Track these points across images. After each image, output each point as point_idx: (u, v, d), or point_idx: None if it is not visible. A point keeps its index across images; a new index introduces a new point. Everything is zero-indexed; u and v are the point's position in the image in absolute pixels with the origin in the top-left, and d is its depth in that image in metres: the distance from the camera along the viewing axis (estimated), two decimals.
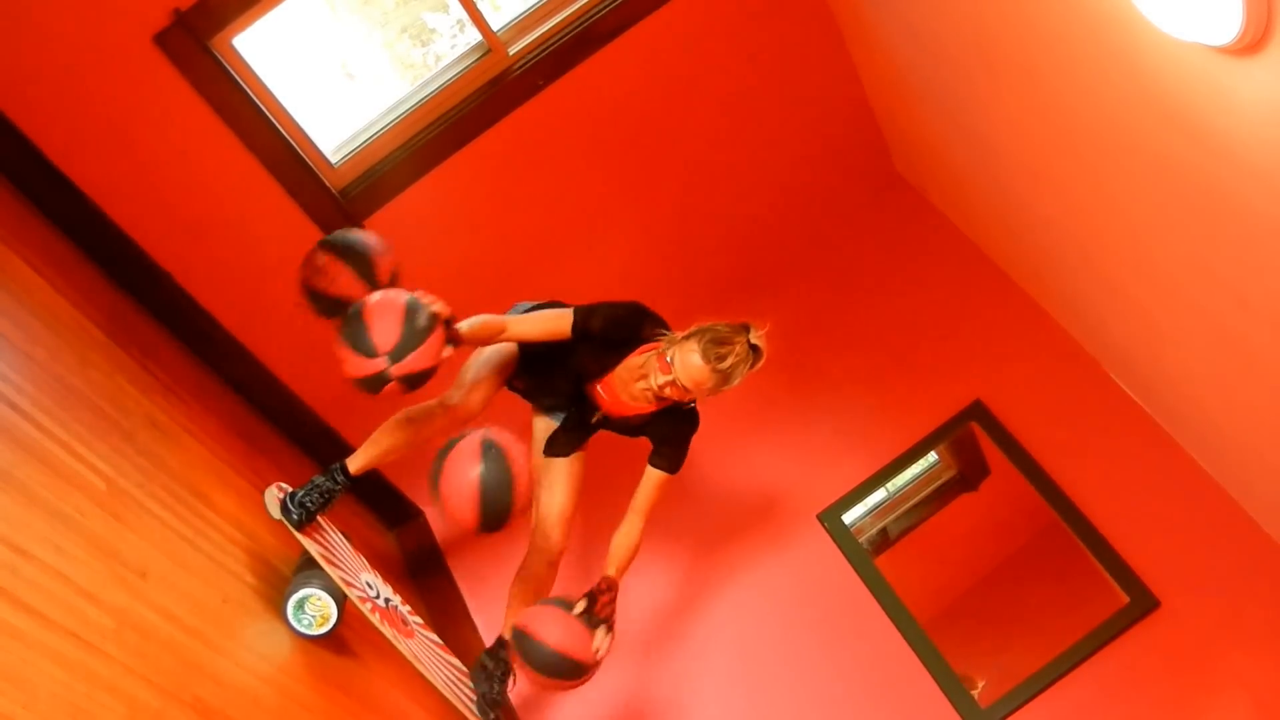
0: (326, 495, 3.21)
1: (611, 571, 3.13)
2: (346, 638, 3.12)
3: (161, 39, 3.11)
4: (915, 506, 4.42)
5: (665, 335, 3.05)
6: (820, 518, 4.03)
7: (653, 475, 3.18)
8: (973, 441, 4.16)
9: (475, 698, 3.30)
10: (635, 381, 3.08)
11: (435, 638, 3.48)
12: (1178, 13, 1.89)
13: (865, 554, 3.97)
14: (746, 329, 2.97)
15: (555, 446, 3.36)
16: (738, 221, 4.45)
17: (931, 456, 4.26)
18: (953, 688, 3.64)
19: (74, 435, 2.33)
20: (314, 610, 2.86)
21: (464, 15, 3.54)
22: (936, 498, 4.47)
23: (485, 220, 3.95)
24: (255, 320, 3.69)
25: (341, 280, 2.88)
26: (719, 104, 4.06)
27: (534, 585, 3.33)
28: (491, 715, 3.25)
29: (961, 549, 4.53)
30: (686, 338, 2.96)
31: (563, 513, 3.32)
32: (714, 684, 3.87)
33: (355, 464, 3.26)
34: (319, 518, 3.23)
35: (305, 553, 3.11)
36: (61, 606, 1.89)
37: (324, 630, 2.87)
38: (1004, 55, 2.96)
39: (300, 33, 4.44)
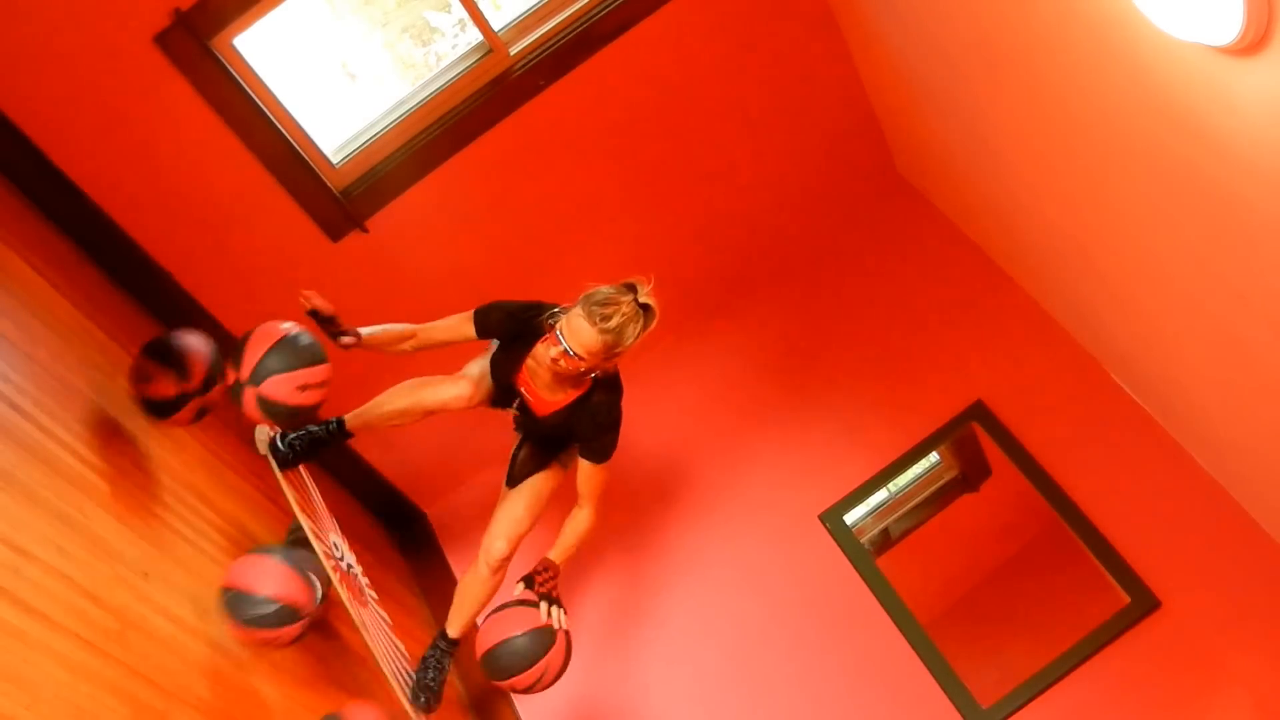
0: (315, 444, 3.22)
1: (552, 554, 3.12)
2: (345, 637, 3.13)
3: (162, 39, 3.11)
4: (917, 507, 4.43)
5: (560, 312, 3.02)
6: (822, 518, 4.03)
7: (585, 466, 3.14)
8: (974, 442, 4.16)
9: (413, 680, 3.29)
10: (543, 371, 3.06)
11: (386, 616, 3.46)
12: (1178, 13, 1.89)
13: (867, 554, 3.97)
14: (633, 288, 2.94)
15: (512, 475, 3.38)
16: (739, 222, 4.45)
17: (933, 457, 4.26)
18: (954, 688, 3.64)
19: (76, 436, 2.33)
20: None
21: (465, 15, 3.54)
22: (938, 498, 4.48)
23: (486, 220, 3.95)
24: (256, 321, 3.69)
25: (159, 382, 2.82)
26: (720, 105, 4.06)
27: (475, 590, 3.34)
28: (422, 699, 3.24)
29: (963, 549, 4.53)
30: (573, 306, 2.94)
31: (512, 524, 3.30)
32: (715, 683, 3.87)
33: (355, 420, 3.26)
34: (303, 468, 3.23)
35: (287, 538, 3.11)
36: (64, 607, 1.89)
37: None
38: (1004, 56, 2.96)
39: (301, 33, 4.44)
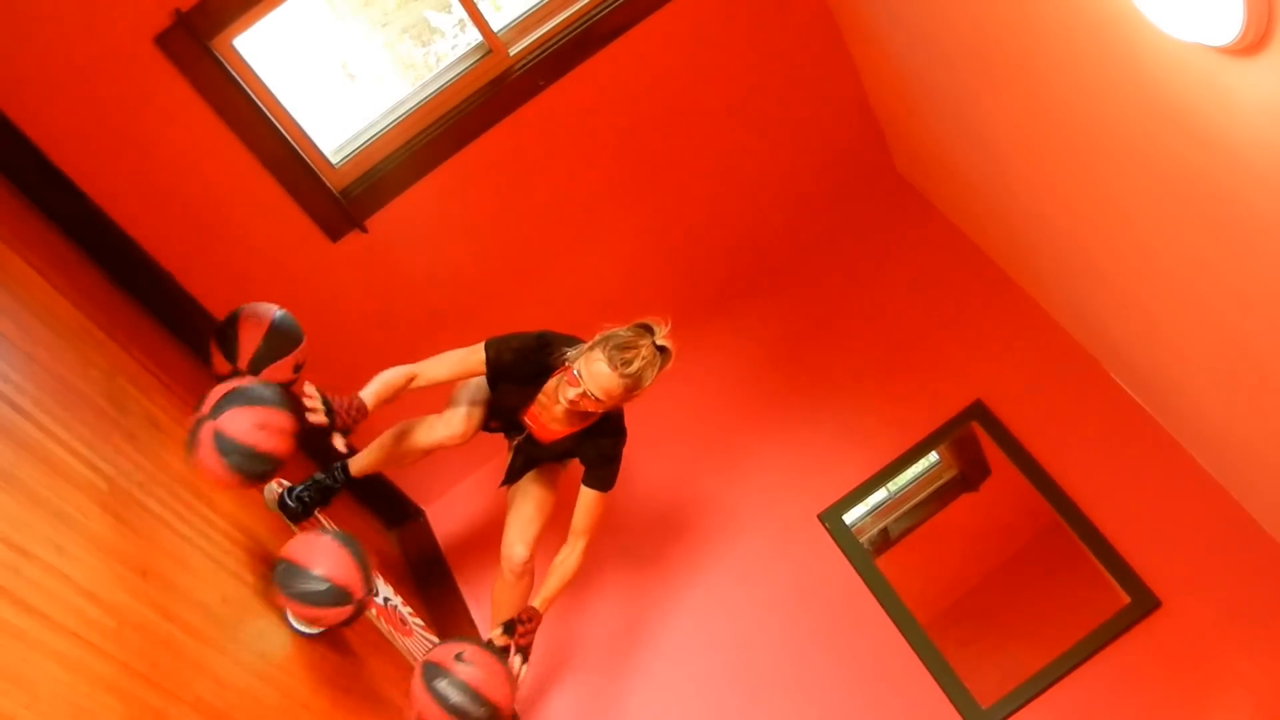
0: (325, 492, 3.25)
1: (536, 602, 3.13)
2: (346, 636, 3.12)
3: (162, 40, 3.11)
4: (916, 506, 4.43)
5: (574, 351, 3.04)
6: (821, 518, 4.03)
7: (587, 495, 3.18)
8: (973, 441, 4.16)
9: None
10: (554, 405, 3.10)
11: (434, 640, 3.49)
12: (1178, 13, 1.89)
13: (866, 554, 3.97)
14: (651, 330, 2.97)
15: (510, 475, 3.41)
16: (738, 222, 4.45)
17: (932, 456, 4.27)
18: (954, 688, 3.64)
19: (75, 435, 2.33)
20: None
21: (465, 15, 3.54)
22: (937, 498, 4.48)
23: (486, 221, 3.95)
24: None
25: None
26: (719, 105, 4.06)
27: (506, 595, 3.36)
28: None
29: (962, 549, 4.53)
30: (591, 348, 2.96)
31: (525, 526, 3.33)
32: (714, 683, 3.87)
33: (356, 466, 3.32)
34: (317, 514, 3.26)
35: None
36: (63, 606, 1.89)
37: (322, 628, 2.87)
38: (1004, 56, 2.96)
39: (301, 33, 4.44)
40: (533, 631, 3.12)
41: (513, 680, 2.94)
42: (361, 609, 2.70)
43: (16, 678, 1.65)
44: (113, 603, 2.06)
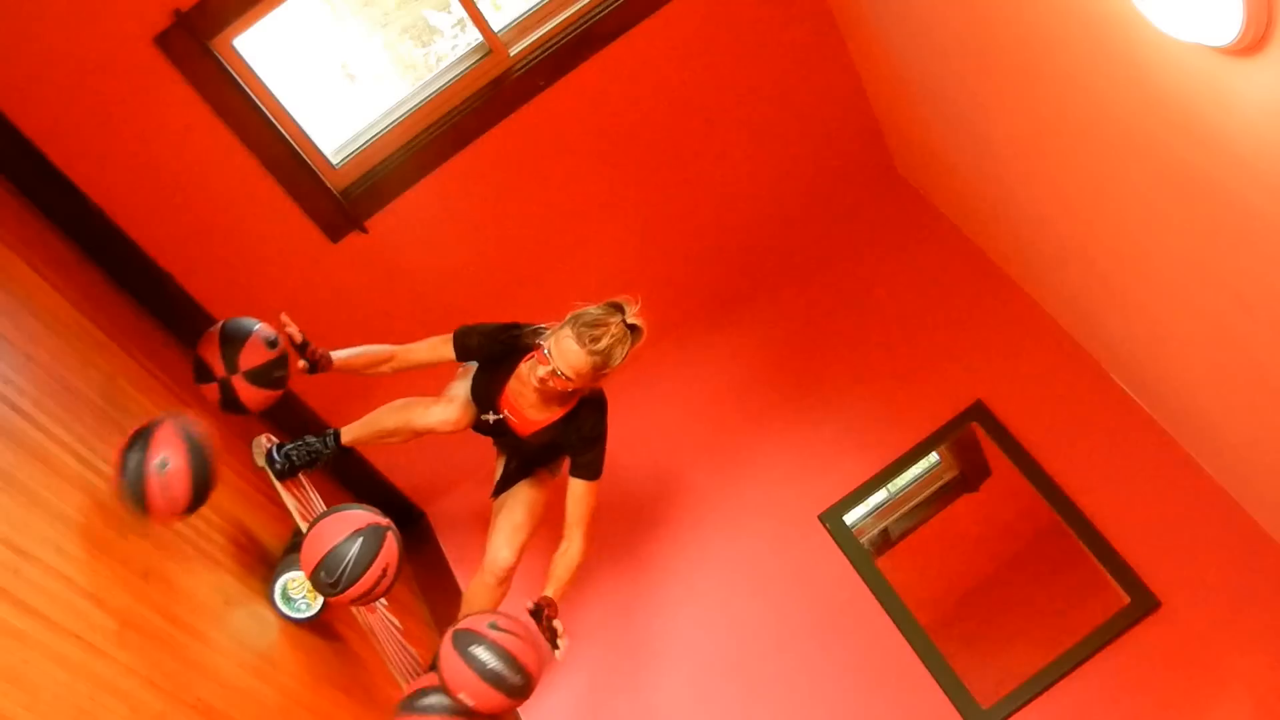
0: (314, 455, 3.26)
1: (549, 592, 3.10)
2: (346, 637, 3.13)
3: (162, 40, 3.11)
4: (916, 507, 4.42)
5: (546, 331, 3.03)
6: (822, 518, 4.03)
7: (577, 486, 3.15)
8: (974, 442, 4.16)
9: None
10: (528, 389, 3.08)
11: (397, 622, 3.48)
12: (1178, 13, 1.89)
13: (867, 555, 3.97)
14: (621, 308, 2.96)
15: (502, 484, 3.40)
16: (738, 222, 4.45)
17: (933, 457, 4.26)
18: (954, 688, 3.64)
19: (76, 436, 2.34)
20: (297, 591, 2.86)
21: (465, 15, 3.54)
22: (938, 498, 4.47)
23: (486, 221, 3.95)
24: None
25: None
26: (719, 105, 4.06)
27: (482, 598, 3.34)
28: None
29: (963, 549, 4.53)
30: (561, 326, 2.95)
31: (514, 532, 3.31)
32: (715, 683, 3.87)
33: (348, 435, 3.31)
34: (301, 476, 3.26)
35: (289, 543, 3.12)
36: (63, 608, 1.89)
37: (317, 608, 2.87)
38: (1004, 56, 2.96)
39: (301, 33, 4.44)
40: (554, 616, 3.08)
41: (547, 651, 2.94)
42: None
43: (17, 679, 1.66)
44: (113, 604, 2.06)
